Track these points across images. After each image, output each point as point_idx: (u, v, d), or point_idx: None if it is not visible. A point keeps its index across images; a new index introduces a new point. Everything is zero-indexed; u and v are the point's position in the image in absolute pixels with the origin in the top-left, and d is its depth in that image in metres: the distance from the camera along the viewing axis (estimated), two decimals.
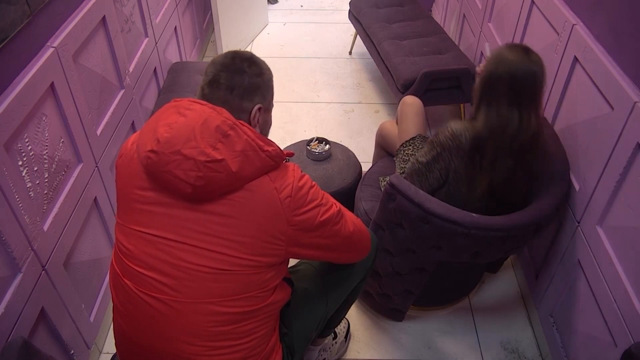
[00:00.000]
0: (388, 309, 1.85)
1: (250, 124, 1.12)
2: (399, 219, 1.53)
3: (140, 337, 1.09)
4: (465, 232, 1.43)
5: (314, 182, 1.12)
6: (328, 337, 1.70)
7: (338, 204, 1.17)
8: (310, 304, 1.33)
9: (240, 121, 1.02)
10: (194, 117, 1.00)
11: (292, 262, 1.32)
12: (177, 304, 1.03)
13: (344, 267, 1.38)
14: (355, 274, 1.41)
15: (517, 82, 1.39)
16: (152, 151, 1.00)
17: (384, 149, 2.12)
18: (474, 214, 1.44)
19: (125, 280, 1.07)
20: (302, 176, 1.09)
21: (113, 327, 1.19)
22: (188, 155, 0.97)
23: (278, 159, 1.05)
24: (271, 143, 1.04)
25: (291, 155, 1.13)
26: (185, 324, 1.04)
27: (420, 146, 1.79)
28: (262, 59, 1.16)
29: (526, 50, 1.42)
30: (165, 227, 1.03)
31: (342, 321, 1.80)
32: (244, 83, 1.09)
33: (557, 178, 1.57)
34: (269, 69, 1.16)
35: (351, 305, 1.54)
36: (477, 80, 1.49)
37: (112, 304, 1.82)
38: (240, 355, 1.08)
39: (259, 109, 1.12)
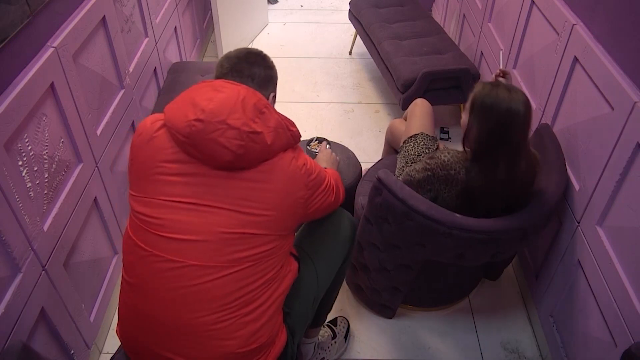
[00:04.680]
0: (378, 304, 1.86)
1: None
2: (385, 214, 1.54)
3: (157, 311, 1.10)
4: (448, 232, 1.43)
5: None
6: (322, 330, 1.71)
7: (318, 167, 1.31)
8: (302, 277, 1.35)
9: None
10: (231, 94, 1.10)
11: None
12: (205, 270, 1.07)
13: (327, 240, 1.44)
14: (339, 245, 1.46)
15: (505, 131, 1.39)
16: (197, 120, 1.06)
17: (392, 146, 2.13)
18: (457, 215, 1.44)
19: (148, 248, 1.09)
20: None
21: (119, 312, 1.20)
22: (233, 125, 1.06)
23: (297, 139, 1.21)
24: (294, 125, 1.20)
25: None
26: (211, 288, 1.08)
27: (422, 144, 1.79)
28: None
29: (508, 90, 1.39)
30: (198, 194, 1.09)
31: (342, 321, 1.81)
32: (261, 73, 1.26)
33: (552, 186, 1.55)
34: (274, 64, 1.32)
35: (339, 287, 1.56)
36: (465, 129, 1.47)
37: (112, 302, 1.83)
38: (259, 324, 1.13)
39: (274, 96, 1.30)
